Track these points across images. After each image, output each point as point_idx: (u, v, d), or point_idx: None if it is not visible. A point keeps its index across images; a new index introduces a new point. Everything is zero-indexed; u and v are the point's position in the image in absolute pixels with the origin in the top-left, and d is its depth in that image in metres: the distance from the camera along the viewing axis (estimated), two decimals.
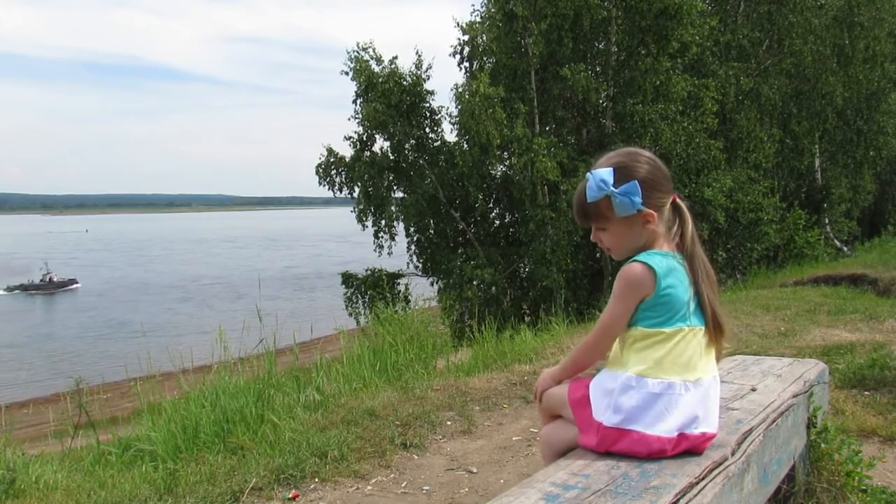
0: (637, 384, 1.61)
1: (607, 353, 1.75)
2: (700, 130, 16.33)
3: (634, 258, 1.66)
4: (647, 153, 1.72)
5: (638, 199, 1.65)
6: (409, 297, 16.72)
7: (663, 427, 1.60)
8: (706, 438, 1.66)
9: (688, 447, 1.63)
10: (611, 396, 1.64)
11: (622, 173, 1.66)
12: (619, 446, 1.62)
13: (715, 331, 1.69)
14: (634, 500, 1.40)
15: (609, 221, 1.70)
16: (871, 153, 21.06)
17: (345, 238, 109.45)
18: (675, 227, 1.72)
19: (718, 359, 1.74)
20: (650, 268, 1.62)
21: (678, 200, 1.73)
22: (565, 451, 1.76)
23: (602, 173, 1.66)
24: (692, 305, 1.66)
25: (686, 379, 1.62)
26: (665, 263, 1.64)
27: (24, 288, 56.18)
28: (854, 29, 18.60)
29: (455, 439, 3.54)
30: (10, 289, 55.79)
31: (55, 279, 57.32)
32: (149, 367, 5.35)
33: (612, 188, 1.65)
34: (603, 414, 1.65)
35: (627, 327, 1.67)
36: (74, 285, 57.74)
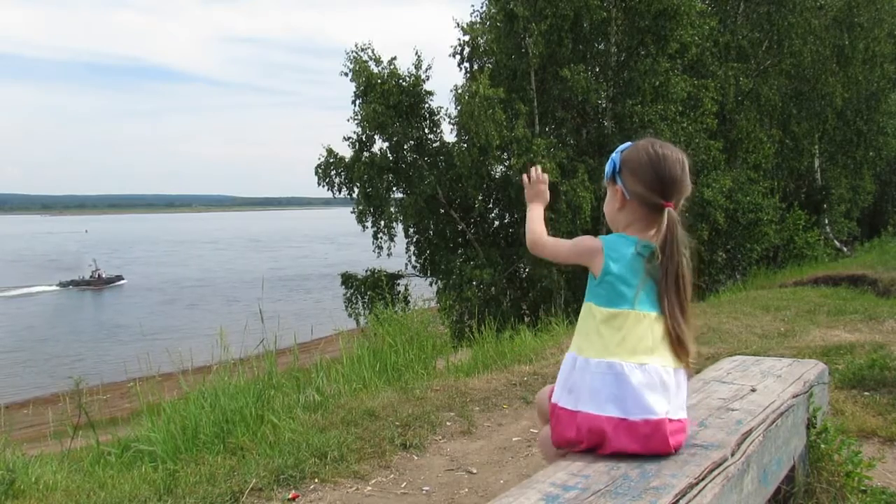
0: (585, 365, 1.67)
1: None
2: (700, 131, 16.34)
3: (602, 236, 1.77)
4: (665, 150, 1.74)
5: (609, 170, 1.78)
6: (409, 297, 16.71)
7: (605, 407, 1.61)
8: (652, 426, 1.60)
9: (631, 432, 1.59)
10: (566, 379, 1.72)
11: (628, 148, 1.80)
12: (570, 430, 1.67)
13: (678, 346, 1.67)
14: (634, 500, 1.40)
15: (607, 186, 1.84)
16: (871, 154, 21.08)
17: (332, 239, 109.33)
18: (657, 230, 1.69)
19: (683, 363, 1.69)
20: (602, 248, 1.70)
21: (669, 209, 1.69)
22: (560, 452, 1.78)
23: (625, 144, 1.82)
24: (643, 294, 1.67)
25: (626, 360, 1.62)
26: (622, 249, 1.69)
27: (76, 284, 59.50)
28: (854, 30, 18.61)
29: (455, 440, 3.54)
30: (62, 284, 59.16)
31: (103, 276, 60.73)
32: (148, 368, 5.34)
33: (613, 154, 1.81)
34: (559, 397, 1.73)
35: (585, 301, 1.74)
36: (121, 281, 61.25)
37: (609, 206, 1.82)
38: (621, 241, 1.71)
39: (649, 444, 1.61)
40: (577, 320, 1.79)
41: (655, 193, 1.71)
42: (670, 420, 1.63)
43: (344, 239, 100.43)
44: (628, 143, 1.80)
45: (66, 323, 42.32)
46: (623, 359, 1.63)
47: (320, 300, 40.96)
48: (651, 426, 1.61)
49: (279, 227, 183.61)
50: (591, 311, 1.71)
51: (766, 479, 1.84)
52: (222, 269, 68.43)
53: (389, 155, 18.17)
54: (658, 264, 1.67)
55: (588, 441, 1.64)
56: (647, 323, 1.66)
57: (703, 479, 1.52)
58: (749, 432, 1.82)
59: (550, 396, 1.80)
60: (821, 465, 2.30)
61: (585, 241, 1.76)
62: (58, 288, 58.09)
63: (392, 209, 18.60)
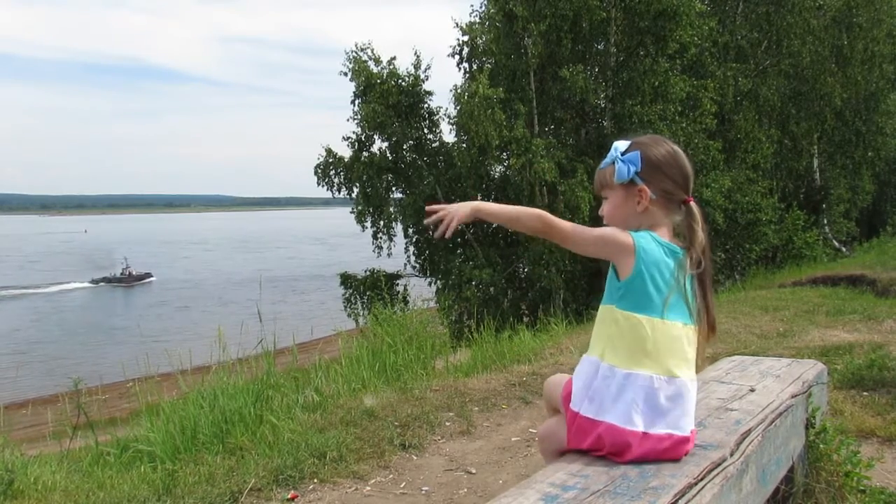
0: (610, 374, 1.61)
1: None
2: (699, 131, 16.34)
3: (633, 231, 1.64)
4: (674, 145, 1.70)
5: (633, 168, 1.65)
6: (408, 297, 16.71)
7: (633, 420, 1.58)
8: (674, 441, 1.60)
9: (651, 447, 1.59)
10: (587, 386, 1.66)
11: (635, 147, 1.69)
12: (589, 438, 1.63)
13: (710, 331, 1.68)
14: (633, 500, 1.40)
15: (611, 189, 1.71)
16: (870, 154, 21.07)
17: (322, 240, 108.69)
18: (685, 226, 1.66)
19: (701, 357, 1.70)
20: (634, 247, 1.59)
21: (692, 203, 1.67)
22: (561, 448, 1.76)
23: (620, 144, 1.71)
24: (672, 301, 1.60)
25: (656, 373, 1.58)
26: (654, 251, 1.60)
27: (108, 281, 61.50)
28: (852, 30, 18.62)
29: (454, 440, 3.53)
30: (95, 281, 61.12)
31: (134, 273, 62.74)
32: (147, 368, 5.34)
33: (618, 154, 1.68)
34: (580, 404, 1.67)
35: (604, 304, 1.66)
36: (150, 279, 63.16)
37: (622, 210, 1.68)
38: (653, 242, 1.61)
39: (664, 455, 1.61)
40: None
41: (681, 189, 1.67)
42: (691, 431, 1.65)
43: (335, 240, 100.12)
44: (627, 142, 1.71)
45: (98, 319, 43.35)
46: (652, 371, 1.58)
47: (317, 301, 40.89)
48: (674, 441, 1.60)
49: (275, 227, 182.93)
50: (613, 316, 1.63)
51: (764, 480, 1.84)
52: (212, 270, 68.58)
53: (389, 155, 18.18)
54: (689, 267, 1.63)
55: (608, 451, 1.62)
56: (675, 333, 1.61)
57: (702, 479, 1.52)
58: (748, 432, 1.82)
59: (564, 389, 1.76)
60: (820, 465, 2.30)
61: (616, 234, 1.62)
62: (90, 285, 59.80)
63: (391, 209, 18.61)
